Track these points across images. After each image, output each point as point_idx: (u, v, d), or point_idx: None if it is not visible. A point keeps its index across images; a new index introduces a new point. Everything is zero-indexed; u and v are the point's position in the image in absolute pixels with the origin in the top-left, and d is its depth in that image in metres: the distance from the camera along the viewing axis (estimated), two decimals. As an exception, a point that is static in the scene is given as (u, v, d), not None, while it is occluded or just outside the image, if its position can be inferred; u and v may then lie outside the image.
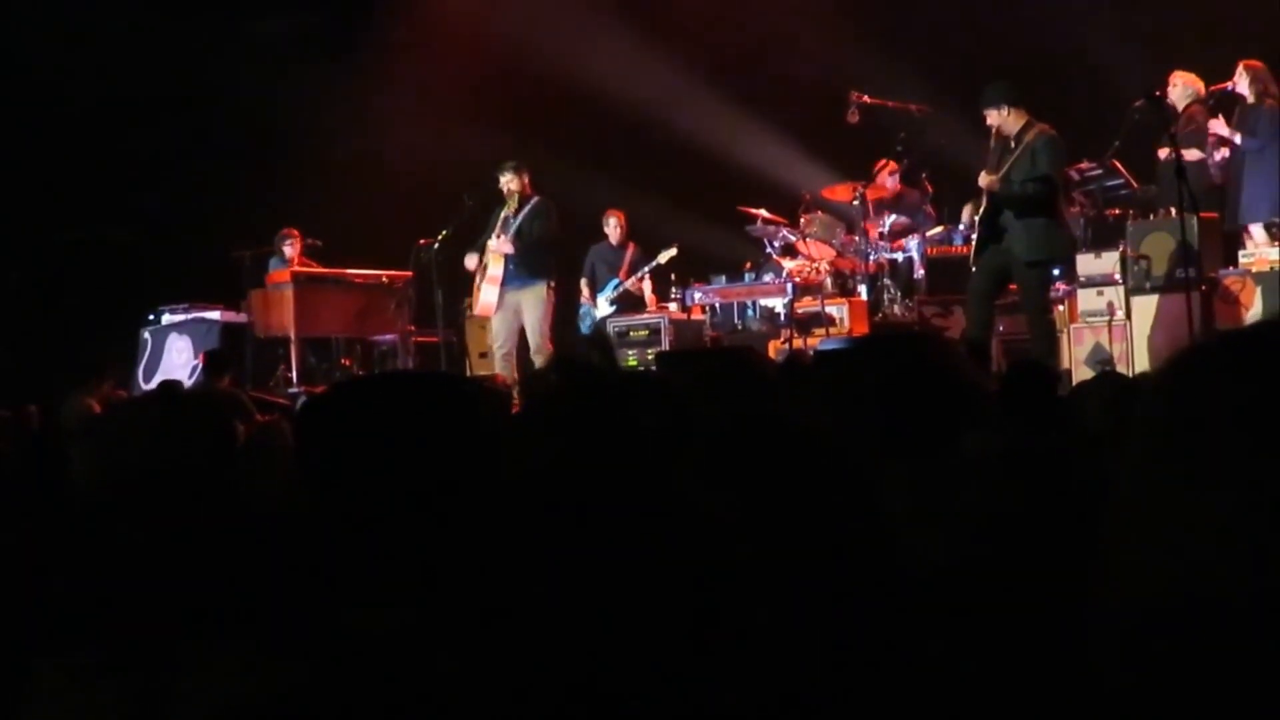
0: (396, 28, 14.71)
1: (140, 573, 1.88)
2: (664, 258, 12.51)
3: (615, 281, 12.73)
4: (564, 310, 12.17)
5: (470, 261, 11.31)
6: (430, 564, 1.70)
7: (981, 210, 9.29)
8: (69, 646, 1.80)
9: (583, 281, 12.95)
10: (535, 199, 11.22)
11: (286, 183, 13.67)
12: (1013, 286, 9.52)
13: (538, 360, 10.76)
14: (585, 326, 12.86)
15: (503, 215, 11.20)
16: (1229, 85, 10.37)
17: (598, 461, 1.55)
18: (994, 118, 9.28)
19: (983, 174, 9.21)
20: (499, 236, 11.13)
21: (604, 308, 12.71)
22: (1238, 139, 10.20)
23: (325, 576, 1.85)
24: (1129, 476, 0.93)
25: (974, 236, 9.57)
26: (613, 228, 12.96)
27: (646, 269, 12.66)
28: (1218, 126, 10.28)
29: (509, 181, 11.20)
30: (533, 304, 11.08)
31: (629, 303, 12.74)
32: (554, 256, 11.42)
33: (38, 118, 13.56)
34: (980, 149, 9.65)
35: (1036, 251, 9.18)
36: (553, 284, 11.35)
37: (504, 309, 11.15)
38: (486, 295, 11.22)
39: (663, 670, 1.20)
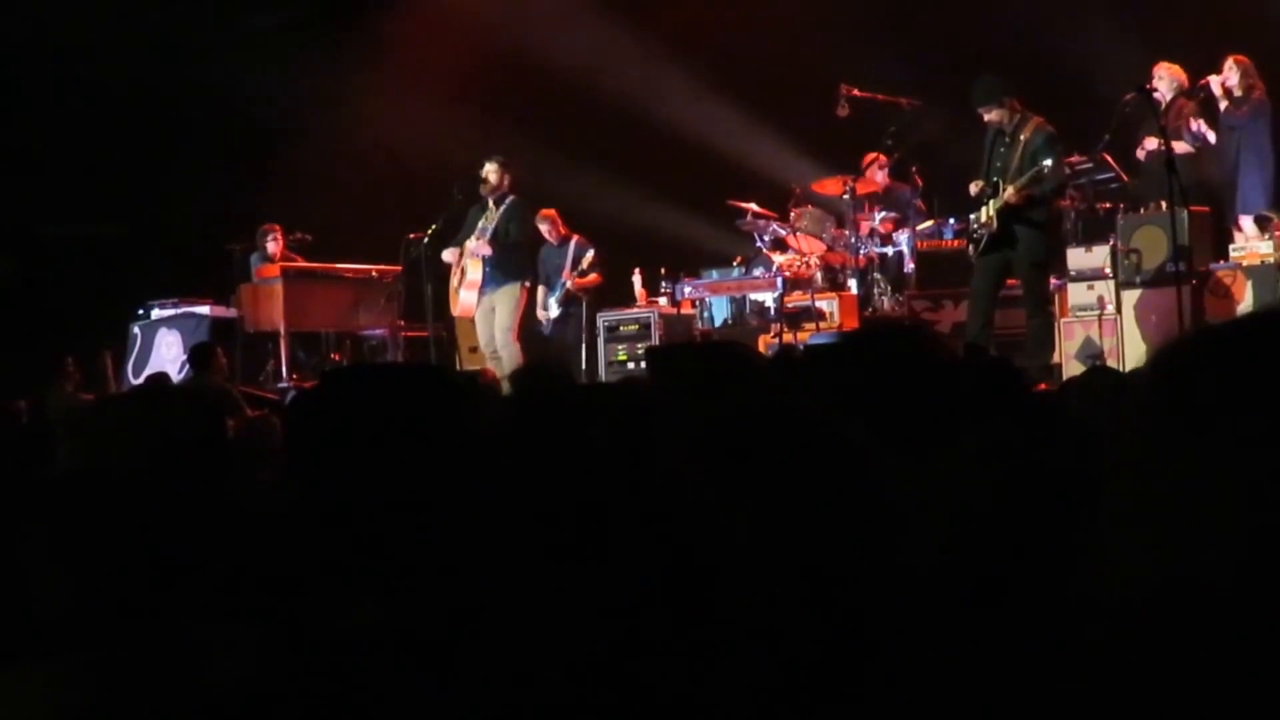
0: (385, 21, 14.68)
1: (125, 567, 1.87)
2: (585, 263, 12.36)
3: (561, 282, 12.61)
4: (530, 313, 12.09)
5: (449, 255, 11.25)
6: (414, 560, 1.70)
7: (997, 210, 9.22)
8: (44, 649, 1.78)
9: (540, 289, 12.71)
10: (511, 199, 11.16)
11: (277, 177, 13.63)
12: (1011, 282, 9.54)
13: (494, 364, 10.68)
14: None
15: (480, 225, 11.12)
16: (1220, 78, 10.38)
17: (559, 473, 1.54)
18: (991, 116, 9.26)
19: (1010, 189, 9.12)
20: (477, 239, 11.08)
21: (554, 309, 12.60)
22: (1211, 137, 10.26)
23: (312, 571, 1.84)
24: (1122, 468, 0.93)
25: (974, 227, 9.49)
26: (547, 230, 12.52)
27: (571, 270, 12.38)
28: (1203, 128, 10.31)
29: (491, 173, 11.09)
30: (505, 303, 11.07)
31: (581, 299, 12.48)
32: (530, 258, 11.38)
33: (25, 112, 13.51)
34: (971, 143, 9.63)
35: (1042, 253, 9.34)
36: (527, 284, 11.37)
37: (482, 309, 11.14)
38: (465, 299, 11.21)
39: (645, 666, 1.20)
